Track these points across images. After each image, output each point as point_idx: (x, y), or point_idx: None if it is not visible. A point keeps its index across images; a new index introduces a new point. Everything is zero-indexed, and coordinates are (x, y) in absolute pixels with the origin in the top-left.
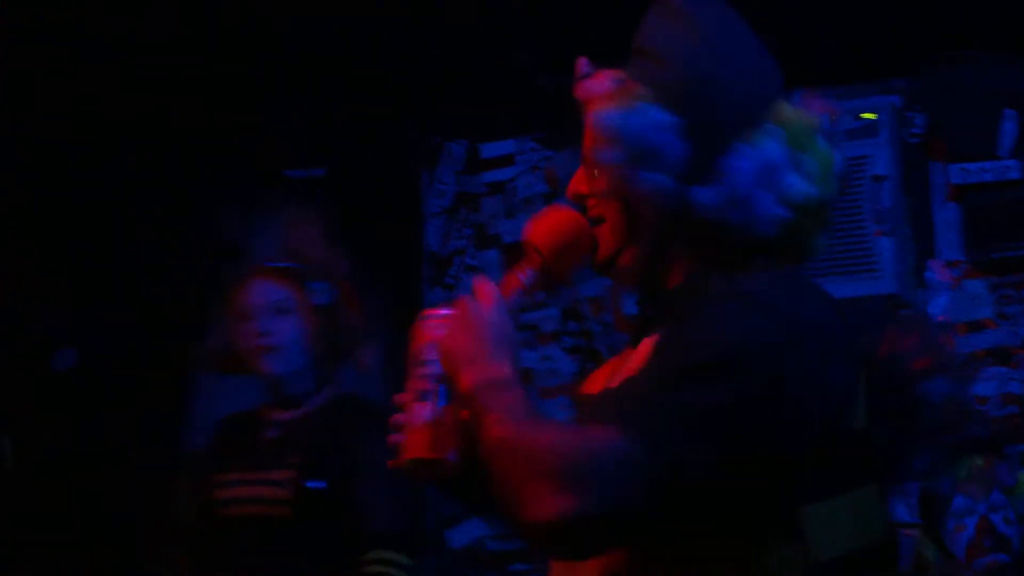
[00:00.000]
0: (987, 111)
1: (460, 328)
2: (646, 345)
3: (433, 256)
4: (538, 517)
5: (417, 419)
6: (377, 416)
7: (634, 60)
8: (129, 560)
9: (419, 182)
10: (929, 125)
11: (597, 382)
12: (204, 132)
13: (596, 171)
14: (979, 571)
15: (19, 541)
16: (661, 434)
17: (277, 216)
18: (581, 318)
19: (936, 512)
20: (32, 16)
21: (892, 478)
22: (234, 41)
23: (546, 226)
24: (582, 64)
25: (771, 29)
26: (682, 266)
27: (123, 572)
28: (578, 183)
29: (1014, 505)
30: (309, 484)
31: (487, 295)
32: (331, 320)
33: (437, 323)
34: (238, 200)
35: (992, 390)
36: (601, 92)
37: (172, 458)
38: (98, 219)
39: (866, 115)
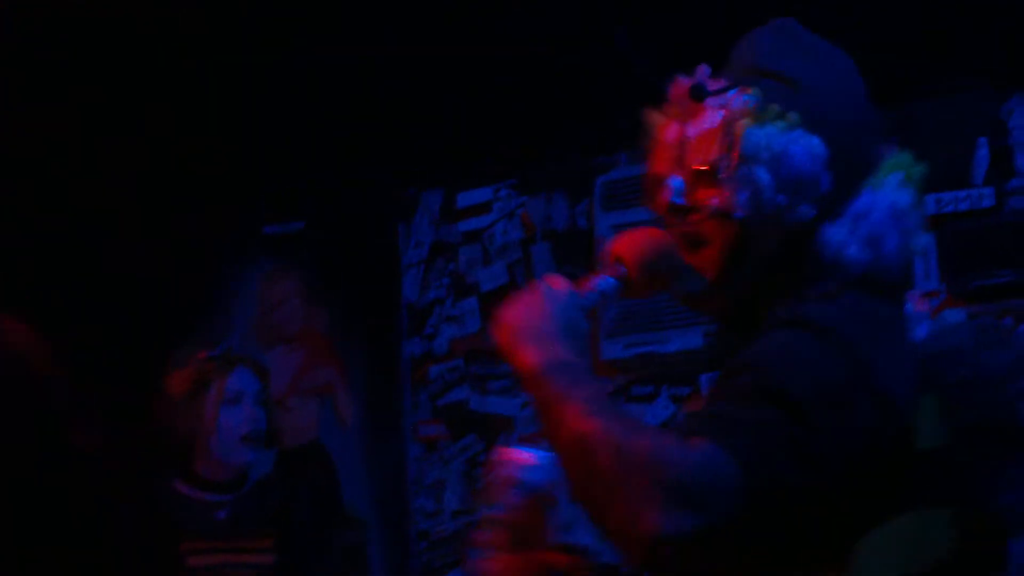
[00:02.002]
0: (961, 140)
1: (530, 304)
2: None
3: (411, 307)
4: (646, 530)
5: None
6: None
7: (758, 80)
8: None
9: (396, 233)
10: None
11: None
12: (184, 189)
13: (713, 188)
14: None
15: None
16: (754, 452)
17: (255, 272)
18: None
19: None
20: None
21: (973, 500)
22: (207, 95)
23: (634, 240)
24: (702, 71)
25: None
26: (772, 297)
27: None
28: (673, 195)
29: None
30: (283, 554)
31: (561, 285)
32: (272, 412)
33: (518, 463)
34: (217, 257)
35: None
36: (741, 107)
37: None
38: (73, 272)
39: None
